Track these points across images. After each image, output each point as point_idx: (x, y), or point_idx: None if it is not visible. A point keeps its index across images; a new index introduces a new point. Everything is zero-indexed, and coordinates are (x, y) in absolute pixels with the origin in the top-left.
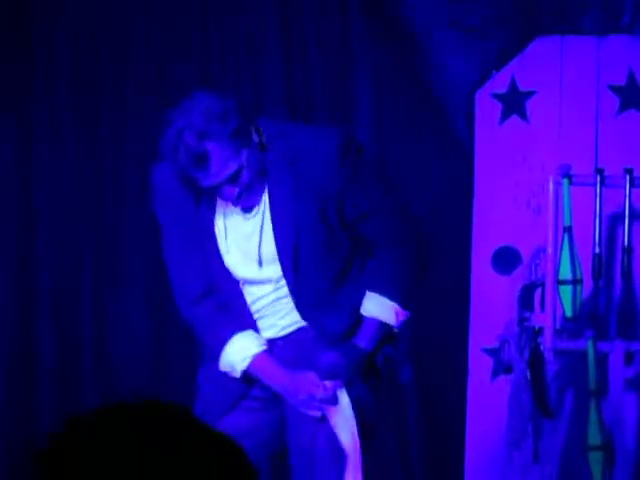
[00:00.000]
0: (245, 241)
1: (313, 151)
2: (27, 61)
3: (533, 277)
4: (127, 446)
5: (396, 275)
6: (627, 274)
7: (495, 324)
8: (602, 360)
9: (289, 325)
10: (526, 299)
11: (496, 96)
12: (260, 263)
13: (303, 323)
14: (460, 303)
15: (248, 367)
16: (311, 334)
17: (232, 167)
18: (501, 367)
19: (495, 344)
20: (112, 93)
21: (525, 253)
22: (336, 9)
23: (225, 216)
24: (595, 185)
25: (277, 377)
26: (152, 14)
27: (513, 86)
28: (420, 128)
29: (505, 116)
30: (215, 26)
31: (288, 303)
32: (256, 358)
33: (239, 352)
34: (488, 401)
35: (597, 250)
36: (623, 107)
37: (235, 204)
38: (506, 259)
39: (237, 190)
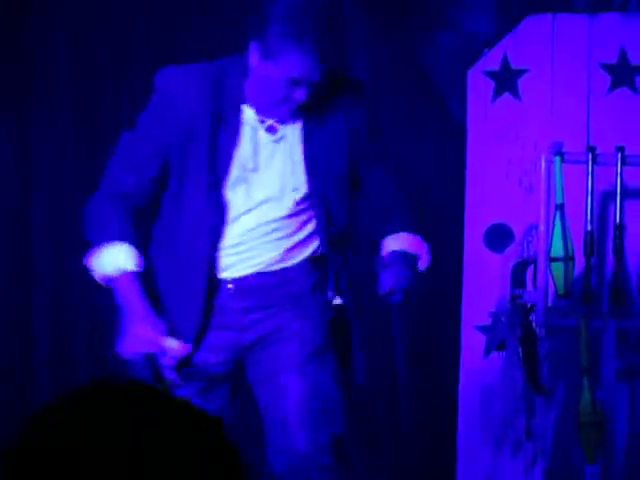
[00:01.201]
0: (274, 164)
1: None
2: (26, 61)
3: (525, 254)
4: (95, 434)
5: (411, 213)
6: (619, 251)
7: (487, 301)
8: (594, 337)
9: (276, 262)
10: (518, 276)
11: (488, 74)
12: (293, 189)
13: (289, 263)
14: (453, 281)
15: (114, 277)
16: (295, 275)
17: (318, 75)
18: (494, 344)
19: (488, 321)
20: (112, 93)
21: (517, 231)
22: None
23: (253, 137)
24: (587, 163)
25: (131, 308)
26: (152, 14)
27: (505, 64)
28: (412, 106)
29: (497, 94)
30: (214, 26)
31: (282, 239)
32: (127, 275)
33: (115, 258)
34: (481, 378)
35: (589, 227)
36: (614, 85)
37: (282, 114)
38: (498, 236)
39: (304, 97)
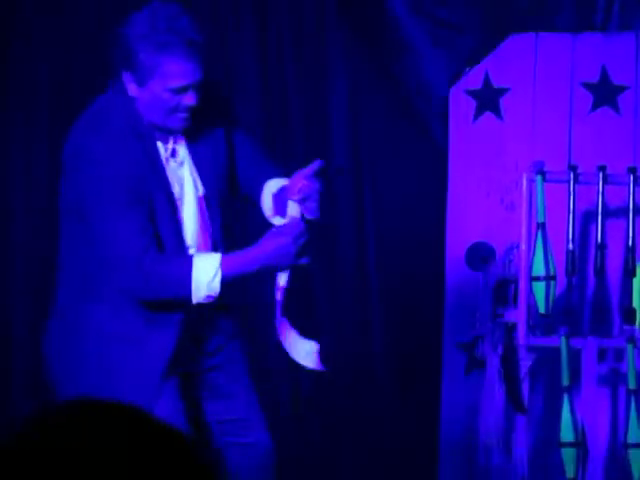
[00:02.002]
0: (187, 189)
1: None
2: (3, 77)
3: (507, 273)
4: (82, 448)
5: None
6: (600, 271)
7: (469, 320)
8: (575, 356)
9: None
10: (500, 295)
11: (470, 93)
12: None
13: None
14: (434, 299)
15: (223, 273)
16: None
17: (199, 74)
18: (475, 362)
19: (469, 339)
20: (89, 93)
21: (499, 249)
22: (312, 10)
23: (168, 163)
24: (568, 182)
25: (252, 257)
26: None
27: (487, 83)
28: (394, 125)
29: (479, 113)
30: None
31: None
32: (223, 260)
33: (208, 267)
34: (462, 396)
35: (570, 247)
36: (596, 104)
37: (180, 122)
38: (480, 255)
39: (194, 100)
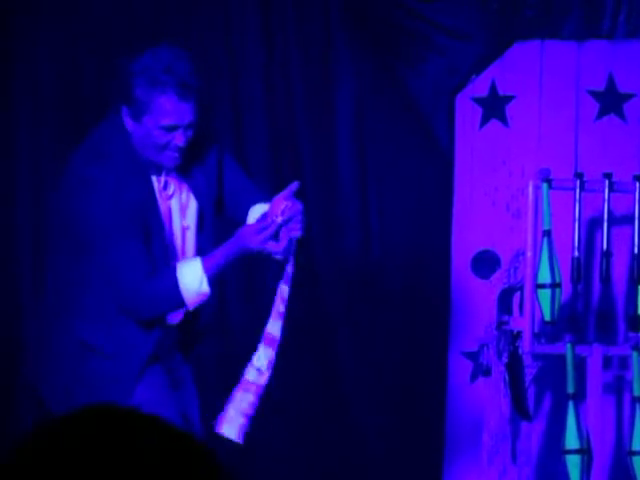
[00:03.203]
0: (174, 221)
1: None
2: (8, 76)
3: (512, 281)
4: (97, 456)
5: None
6: (606, 278)
7: (474, 328)
8: (580, 364)
9: None
10: (505, 303)
11: (476, 100)
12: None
13: None
14: (440, 306)
15: (208, 273)
16: None
17: (190, 116)
18: (480, 370)
19: (474, 347)
20: (95, 108)
21: (504, 257)
22: (318, 14)
23: (160, 195)
24: (574, 189)
25: (229, 250)
26: (135, 24)
27: (493, 90)
28: (400, 132)
29: (485, 120)
30: (196, 40)
31: None
32: (204, 262)
33: (192, 272)
34: (467, 404)
35: (576, 254)
36: (602, 112)
37: (171, 161)
38: (485, 263)
39: (184, 141)
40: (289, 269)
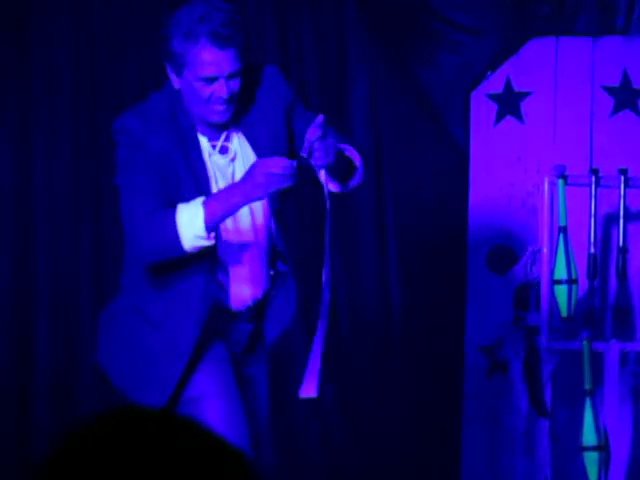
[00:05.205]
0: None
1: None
2: (26, 61)
3: (528, 277)
4: (132, 457)
5: None
6: (622, 274)
7: (491, 323)
8: (597, 360)
9: None
10: (521, 299)
11: (491, 97)
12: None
13: None
14: (456, 302)
15: (205, 217)
16: None
17: (229, 66)
18: (496, 366)
19: (491, 343)
20: (110, 97)
21: (520, 253)
22: (332, 13)
23: (213, 164)
24: (590, 185)
25: (234, 194)
26: (150, 16)
27: (508, 87)
28: (415, 128)
29: (500, 116)
30: None
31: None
32: (206, 204)
33: (190, 213)
34: (484, 400)
35: (592, 250)
36: (617, 108)
37: (217, 115)
38: (502, 259)
39: (226, 92)
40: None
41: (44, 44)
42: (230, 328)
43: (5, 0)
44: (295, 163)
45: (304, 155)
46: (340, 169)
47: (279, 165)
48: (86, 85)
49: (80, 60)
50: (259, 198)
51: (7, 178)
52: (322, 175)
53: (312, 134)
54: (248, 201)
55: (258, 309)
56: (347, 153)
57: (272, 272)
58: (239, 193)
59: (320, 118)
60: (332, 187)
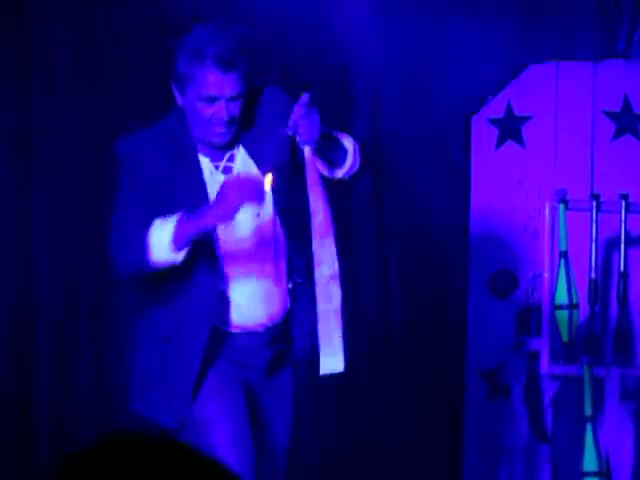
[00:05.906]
0: None
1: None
2: (26, 55)
3: (530, 301)
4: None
5: None
6: (623, 299)
7: (492, 347)
8: (598, 385)
9: None
10: (523, 323)
11: (492, 121)
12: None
13: None
14: (457, 327)
15: (174, 233)
16: None
17: (231, 89)
18: (498, 391)
19: (492, 367)
20: (111, 93)
21: (522, 277)
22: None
23: (213, 185)
24: (591, 210)
25: (206, 214)
26: (150, 16)
27: (509, 111)
28: (416, 153)
29: (501, 141)
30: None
31: None
32: (178, 221)
33: (161, 230)
34: (484, 424)
35: (593, 275)
36: (618, 133)
37: (217, 137)
38: (503, 283)
39: (227, 114)
40: None
41: (44, 44)
42: (245, 351)
43: (5, 0)
44: (264, 181)
45: (289, 132)
46: (328, 150)
47: (248, 184)
48: (86, 85)
49: (80, 60)
50: (229, 218)
51: (7, 178)
52: (307, 151)
53: (297, 112)
54: (218, 221)
55: (280, 330)
56: (336, 135)
57: (290, 285)
58: (210, 213)
59: (305, 97)
60: (321, 167)
